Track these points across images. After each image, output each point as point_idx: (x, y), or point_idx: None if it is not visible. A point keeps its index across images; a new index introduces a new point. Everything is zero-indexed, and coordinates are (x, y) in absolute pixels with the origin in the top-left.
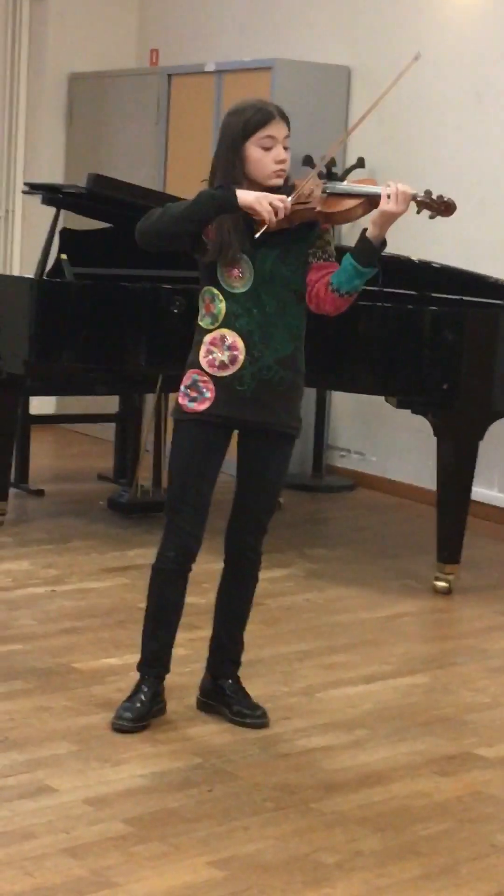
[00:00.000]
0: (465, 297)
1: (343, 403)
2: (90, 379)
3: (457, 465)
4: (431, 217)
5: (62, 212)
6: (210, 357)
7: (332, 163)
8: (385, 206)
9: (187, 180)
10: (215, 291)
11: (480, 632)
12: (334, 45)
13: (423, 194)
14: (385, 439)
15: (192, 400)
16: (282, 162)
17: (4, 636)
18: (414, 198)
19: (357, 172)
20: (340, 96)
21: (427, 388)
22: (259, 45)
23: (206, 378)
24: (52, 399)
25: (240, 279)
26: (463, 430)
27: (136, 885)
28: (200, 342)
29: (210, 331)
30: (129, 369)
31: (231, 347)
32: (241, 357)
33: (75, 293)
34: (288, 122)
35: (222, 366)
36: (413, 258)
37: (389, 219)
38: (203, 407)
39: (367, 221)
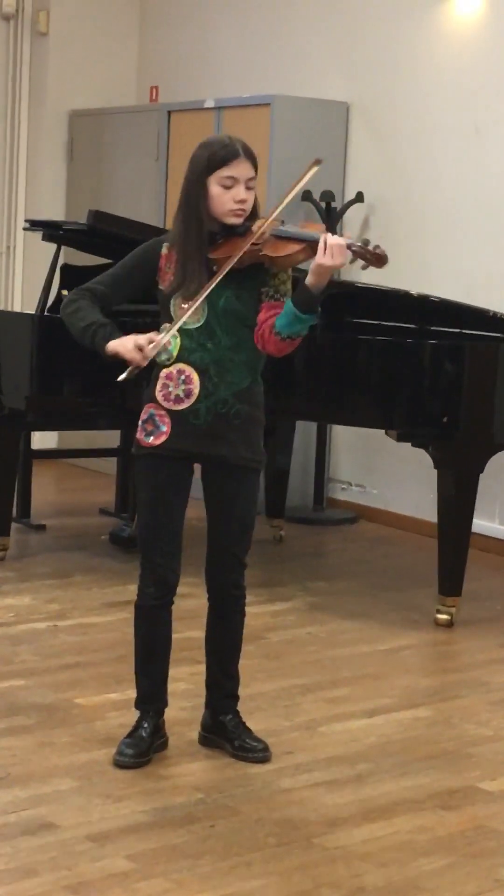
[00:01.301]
0: (464, 331)
1: (344, 436)
2: (91, 413)
3: (457, 498)
4: (364, 268)
5: (63, 248)
6: (166, 391)
7: (330, 197)
8: (320, 258)
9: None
10: (168, 325)
11: (482, 664)
12: (333, 81)
13: (358, 244)
14: (386, 472)
15: (149, 434)
16: (241, 202)
17: (6, 671)
18: (349, 247)
19: (356, 207)
20: (339, 131)
21: (427, 421)
22: (258, 81)
23: (162, 412)
24: (54, 434)
25: (192, 315)
26: (463, 463)
27: None
28: (157, 377)
29: (166, 365)
30: (130, 403)
31: (186, 381)
32: (196, 390)
33: None
34: (254, 163)
35: (177, 399)
36: (412, 292)
37: (325, 271)
38: (159, 441)
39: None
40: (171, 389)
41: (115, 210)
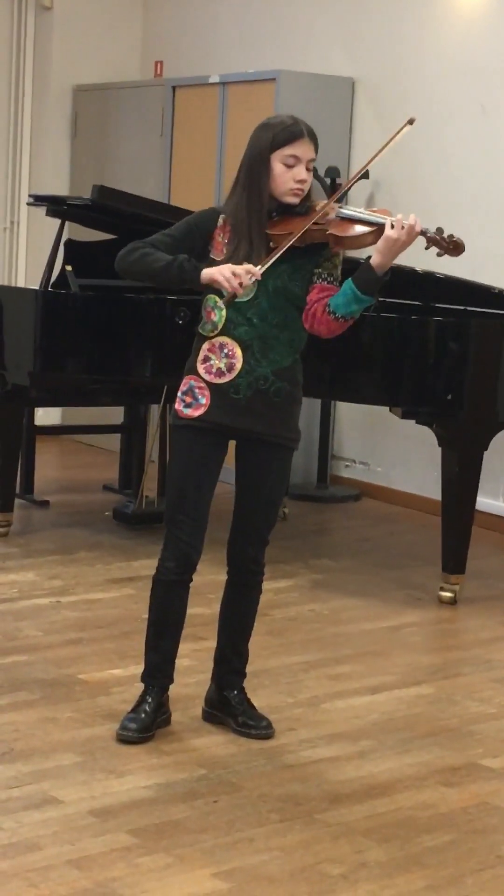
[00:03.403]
0: (469, 308)
1: (348, 414)
2: (95, 390)
3: (461, 476)
4: (439, 255)
5: (67, 223)
6: (207, 364)
7: (336, 173)
8: (389, 232)
9: (192, 191)
10: (217, 299)
11: (485, 642)
12: (338, 57)
13: (433, 231)
14: (390, 449)
15: (188, 406)
16: (301, 182)
17: (9, 647)
18: (423, 233)
19: (361, 184)
20: (344, 107)
21: (432, 399)
22: (263, 56)
23: (202, 384)
24: (58, 410)
25: (244, 288)
26: (467, 441)
27: None
28: (199, 349)
29: (209, 338)
30: (134, 380)
31: (229, 355)
32: (239, 365)
33: (80, 304)
34: (316, 146)
35: (219, 373)
36: (417, 269)
37: (392, 246)
38: (198, 413)
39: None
40: (213, 362)
41: (119, 185)
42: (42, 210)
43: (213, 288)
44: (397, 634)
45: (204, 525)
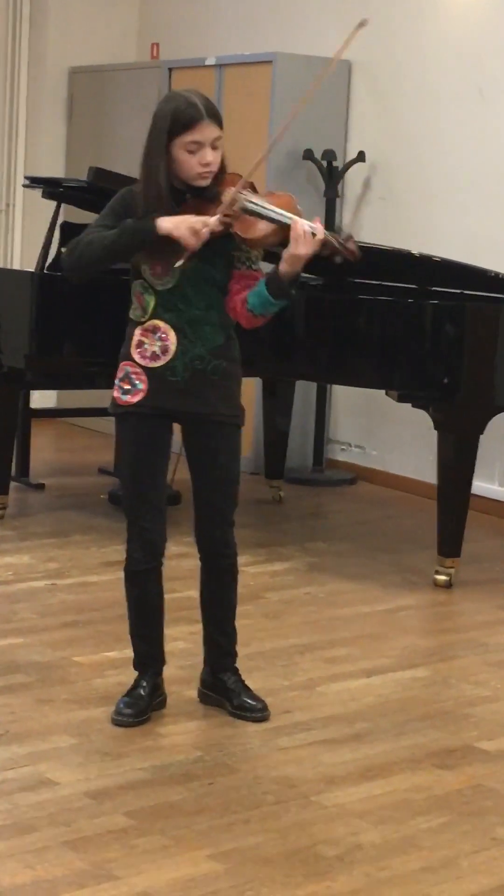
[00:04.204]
0: (465, 292)
1: (344, 397)
2: (91, 372)
3: (457, 459)
4: (338, 262)
5: (63, 205)
6: (142, 348)
7: (332, 156)
8: (293, 248)
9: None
10: (146, 284)
11: (481, 625)
12: (335, 39)
13: (332, 236)
14: (386, 433)
15: (126, 392)
16: (207, 165)
17: (5, 629)
18: (325, 244)
19: (357, 167)
20: (341, 90)
21: (428, 383)
22: (259, 38)
23: (138, 370)
24: (53, 393)
25: (161, 276)
26: (464, 424)
27: (136, 878)
28: (132, 334)
29: (141, 322)
30: None
31: (162, 338)
32: (173, 347)
33: (75, 287)
34: (219, 121)
35: (154, 356)
36: (413, 252)
37: (297, 260)
38: (136, 398)
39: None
40: (147, 346)
41: (115, 168)
42: (38, 192)
43: (138, 274)
44: (393, 617)
45: (163, 509)
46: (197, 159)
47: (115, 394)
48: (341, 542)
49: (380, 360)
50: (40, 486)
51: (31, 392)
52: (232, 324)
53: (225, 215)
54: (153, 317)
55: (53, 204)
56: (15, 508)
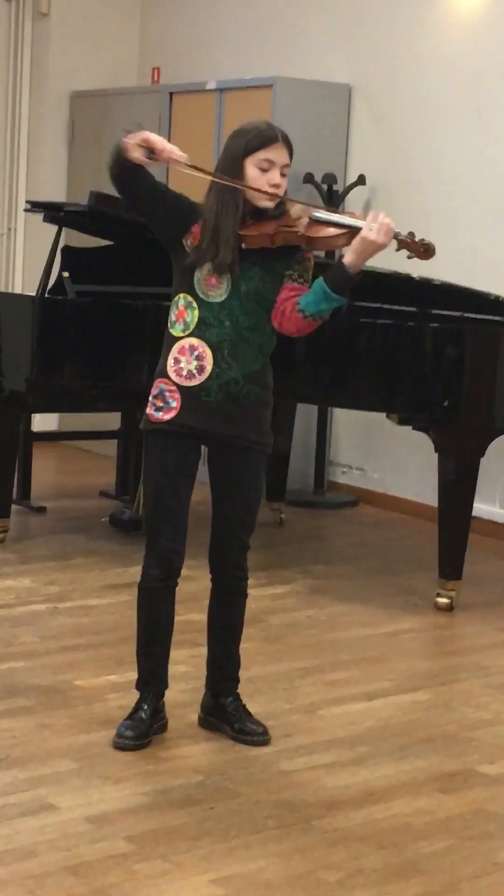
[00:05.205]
0: (466, 314)
1: (345, 420)
2: (92, 395)
3: (458, 482)
4: (409, 257)
5: (64, 229)
6: (178, 366)
7: (332, 179)
8: (366, 232)
9: (189, 197)
10: (189, 298)
11: (482, 648)
12: (335, 63)
13: (405, 234)
14: (386, 455)
15: (159, 409)
16: (276, 186)
17: (6, 653)
18: (396, 236)
19: (358, 190)
20: (341, 113)
21: (428, 405)
22: (260, 63)
23: (172, 387)
24: (55, 416)
25: (216, 288)
26: (464, 447)
27: None
28: (169, 351)
29: (179, 338)
30: (131, 386)
31: (199, 357)
32: (209, 367)
33: (77, 310)
34: (291, 151)
35: (189, 375)
36: (413, 275)
37: (368, 247)
38: (169, 416)
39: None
40: (183, 364)
41: (116, 192)
42: (39, 216)
43: (187, 286)
44: (394, 640)
45: (184, 529)
46: (266, 178)
47: (149, 410)
48: (342, 564)
49: (381, 382)
50: (41, 510)
51: (33, 415)
52: (270, 350)
53: (287, 226)
54: (193, 333)
55: (55, 228)
56: (16, 531)
